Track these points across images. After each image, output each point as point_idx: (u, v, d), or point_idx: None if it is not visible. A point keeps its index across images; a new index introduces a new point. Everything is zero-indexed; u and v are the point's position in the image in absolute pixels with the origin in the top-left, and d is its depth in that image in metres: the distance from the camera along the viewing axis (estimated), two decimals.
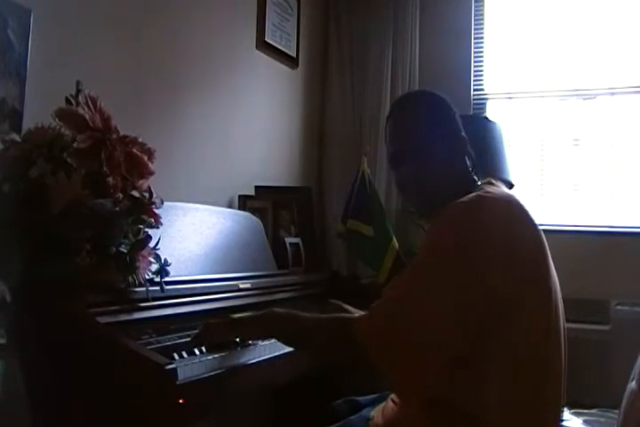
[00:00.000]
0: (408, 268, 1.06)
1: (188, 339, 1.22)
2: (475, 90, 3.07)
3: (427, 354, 0.98)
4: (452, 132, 1.22)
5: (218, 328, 1.20)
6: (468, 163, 1.22)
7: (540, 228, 1.09)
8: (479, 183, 1.19)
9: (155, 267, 1.27)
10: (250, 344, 1.29)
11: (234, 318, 1.26)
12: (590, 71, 2.87)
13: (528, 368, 1.02)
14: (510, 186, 2.42)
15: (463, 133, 1.23)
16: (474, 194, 1.07)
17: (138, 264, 1.22)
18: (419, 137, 1.20)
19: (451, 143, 1.20)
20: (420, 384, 1.01)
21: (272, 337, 1.23)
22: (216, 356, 1.16)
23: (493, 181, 1.17)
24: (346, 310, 1.54)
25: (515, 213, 1.06)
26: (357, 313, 1.54)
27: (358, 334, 1.00)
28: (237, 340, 1.28)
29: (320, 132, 3.06)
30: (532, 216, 1.08)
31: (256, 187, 2.38)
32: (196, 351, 1.18)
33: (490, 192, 1.08)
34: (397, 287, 1.04)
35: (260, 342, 1.31)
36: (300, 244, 2.22)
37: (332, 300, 1.62)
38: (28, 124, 1.29)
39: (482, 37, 3.08)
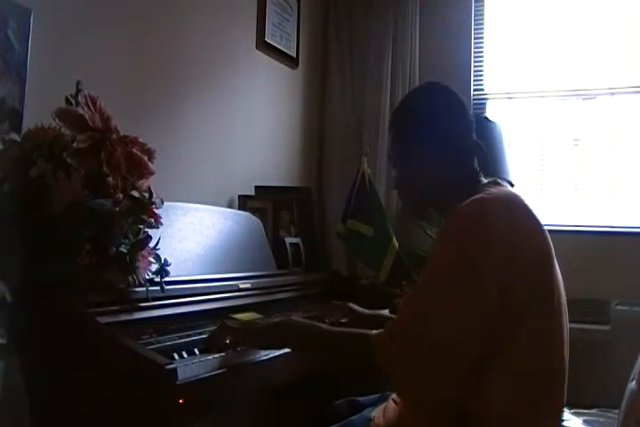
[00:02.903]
0: (419, 282, 1.05)
1: (189, 339, 1.22)
2: (475, 90, 3.07)
3: (443, 372, 0.98)
4: (447, 132, 1.18)
5: (234, 336, 1.19)
6: (474, 162, 1.20)
7: (546, 229, 1.08)
8: (484, 182, 1.18)
9: (155, 267, 1.27)
10: None
11: (249, 325, 1.25)
12: (590, 71, 2.87)
13: (530, 368, 1.02)
14: (510, 186, 2.42)
15: (466, 130, 1.21)
16: (476, 196, 1.06)
17: (138, 264, 1.22)
18: (405, 141, 1.22)
19: (447, 144, 1.18)
20: (433, 397, 1.01)
21: (287, 348, 1.22)
22: (216, 356, 1.16)
23: (499, 181, 1.17)
24: (352, 309, 1.54)
25: (516, 215, 1.05)
26: (364, 311, 1.55)
27: (376, 356, 1.00)
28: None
29: (320, 132, 3.06)
30: (535, 215, 1.07)
31: (256, 187, 2.38)
32: (196, 351, 1.17)
33: (492, 193, 1.07)
34: (411, 307, 1.03)
35: None
36: (300, 244, 2.22)
37: (336, 302, 1.62)
38: (28, 124, 1.29)
39: (482, 37, 3.08)
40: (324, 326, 1.15)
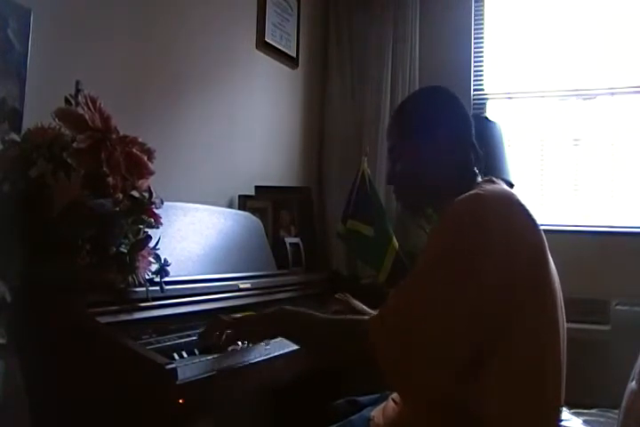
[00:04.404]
0: (415, 271, 1.04)
1: (189, 339, 1.22)
2: (475, 90, 3.07)
3: (438, 362, 0.98)
4: (449, 132, 1.20)
5: (227, 328, 1.19)
6: (472, 161, 1.21)
7: (540, 227, 1.08)
8: (479, 180, 1.18)
9: (155, 267, 1.27)
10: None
11: (242, 317, 1.25)
12: (590, 71, 2.87)
13: (527, 368, 1.02)
14: (510, 186, 2.42)
15: (466, 131, 1.23)
16: (472, 192, 1.06)
17: (138, 264, 1.22)
18: (401, 137, 1.25)
19: (448, 143, 1.19)
20: (429, 389, 1.01)
21: (281, 336, 1.22)
22: (216, 356, 1.16)
23: (494, 179, 1.17)
24: (353, 307, 1.54)
25: (514, 212, 1.05)
26: (364, 308, 1.55)
27: (370, 339, 0.99)
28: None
29: (320, 132, 3.06)
30: (531, 214, 1.07)
31: (256, 187, 2.38)
32: (196, 351, 1.17)
33: (487, 190, 1.07)
34: (406, 293, 1.03)
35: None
36: (300, 244, 2.22)
37: (339, 294, 1.61)
38: (28, 124, 1.29)
39: (482, 37, 3.08)
40: (316, 313, 1.15)
